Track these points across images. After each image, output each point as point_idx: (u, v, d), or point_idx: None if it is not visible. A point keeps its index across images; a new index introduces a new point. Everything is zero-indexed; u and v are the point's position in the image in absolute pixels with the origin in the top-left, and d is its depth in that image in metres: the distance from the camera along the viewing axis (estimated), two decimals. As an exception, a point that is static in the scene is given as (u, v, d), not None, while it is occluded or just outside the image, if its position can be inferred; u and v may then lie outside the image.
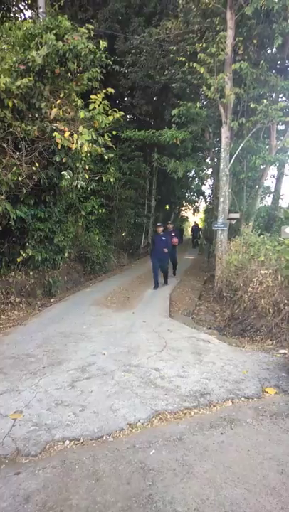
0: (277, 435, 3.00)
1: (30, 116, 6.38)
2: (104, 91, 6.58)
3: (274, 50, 10.63)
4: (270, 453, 2.75)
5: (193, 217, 32.92)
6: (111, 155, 7.26)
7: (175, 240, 11.27)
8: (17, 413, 3.27)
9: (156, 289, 9.35)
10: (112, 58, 8.20)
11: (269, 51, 10.67)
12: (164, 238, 9.66)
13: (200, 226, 28.11)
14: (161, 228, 9.88)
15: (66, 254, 9.05)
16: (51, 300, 8.00)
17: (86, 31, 6.57)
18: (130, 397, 3.59)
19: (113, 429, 3.06)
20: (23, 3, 12.38)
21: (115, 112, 6.66)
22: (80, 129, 6.00)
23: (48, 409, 3.34)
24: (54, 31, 6.15)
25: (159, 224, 10.24)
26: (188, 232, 35.83)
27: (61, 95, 6.47)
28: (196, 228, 27.36)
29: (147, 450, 2.75)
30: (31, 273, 7.73)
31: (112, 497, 2.27)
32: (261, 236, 7.60)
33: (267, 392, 3.81)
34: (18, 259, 7.15)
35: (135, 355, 4.76)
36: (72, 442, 2.88)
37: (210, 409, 3.45)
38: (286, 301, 5.63)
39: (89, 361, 4.53)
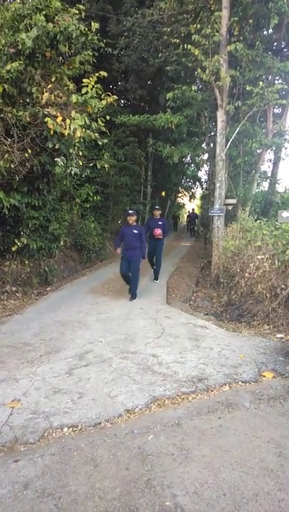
0: (274, 418, 3.02)
1: (21, 101, 6.22)
2: (96, 74, 6.42)
3: (270, 30, 10.44)
4: (267, 436, 2.77)
5: (190, 204, 32.63)
6: (105, 141, 7.13)
7: (157, 231, 8.41)
8: (15, 401, 3.26)
9: (133, 299, 7.04)
10: (105, 41, 7.99)
11: (265, 32, 10.47)
12: (136, 231, 7.03)
13: (197, 213, 27.50)
14: (133, 217, 7.22)
15: (62, 243, 8.98)
16: (47, 289, 7.97)
17: (77, 12, 6.37)
18: (128, 384, 3.60)
19: (111, 416, 3.06)
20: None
21: (108, 95, 6.50)
22: (73, 113, 5.86)
23: (46, 397, 3.34)
24: (44, 12, 5.95)
25: (130, 211, 7.39)
26: (183, 218, 35.52)
27: (53, 79, 6.30)
28: (193, 216, 26.22)
29: (146, 435, 2.76)
30: (27, 262, 7.67)
31: (110, 483, 2.28)
32: (258, 221, 7.56)
33: (264, 376, 3.83)
34: (13, 248, 7.08)
35: (133, 342, 4.76)
36: (71, 429, 2.88)
37: (208, 393, 3.46)
38: (283, 286, 5.64)
39: (86, 349, 4.52)
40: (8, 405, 3.19)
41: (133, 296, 7.12)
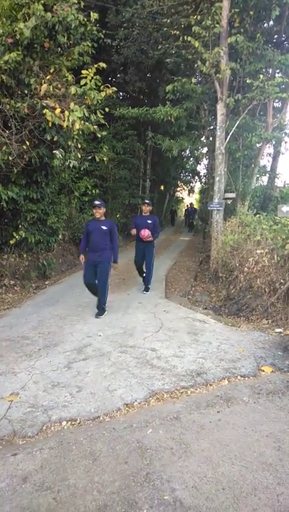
0: (273, 413, 3.02)
1: (19, 92, 6.14)
2: (96, 66, 6.34)
3: (271, 23, 10.32)
4: (266, 430, 2.77)
5: (189, 198, 32.52)
6: (104, 133, 7.07)
7: (145, 233, 6.87)
8: (13, 395, 3.25)
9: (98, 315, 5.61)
10: (104, 32, 7.90)
11: (265, 24, 10.35)
12: (105, 228, 5.56)
13: (195, 207, 27.13)
14: (101, 210, 5.60)
15: (60, 236, 8.94)
16: (46, 282, 7.94)
17: (76, 2, 6.26)
18: (127, 378, 3.59)
19: (110, 409, 3.06)
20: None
21: (108, 87, 6.43)
22: (72, 105, 5.80)
23: (45, 391, 3.33)
24: (42, 1, 5.84)
25: (96, 202, 5.68)
26: (182, 212, 35.37)
27: (51, 70, 6.22)
28: (191, 210, 25.53)
29: (144, 429, 2.76)
30: (25, 255, 7.64)
31: (109, 476, 2.27)
32: (257, 215, 7.53)
33: (263, 371, 3.83)
34: (11, 242, 7.04)
35: (131, 336, 4.76)
36: (69, 423, 2.88)
37: (206, 388, 3.46)
38: (282, 281, 5.63)
39: (85, 343, 4.51)
40: (6, 399, 3.18)
41: (100, 311, 5.63)
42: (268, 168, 14.30)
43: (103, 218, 5.76)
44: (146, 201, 7.49)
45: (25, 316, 5.56)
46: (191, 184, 29.46)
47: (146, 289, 7.32)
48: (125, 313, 5.83)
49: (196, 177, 26.61)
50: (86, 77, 6.22)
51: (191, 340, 4.66)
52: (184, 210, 32.58)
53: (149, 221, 7.10)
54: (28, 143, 6.09)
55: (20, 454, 2.49)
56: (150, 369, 3.80)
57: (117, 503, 2.07)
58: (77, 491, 2.17)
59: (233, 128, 9.11)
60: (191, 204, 27.16)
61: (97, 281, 5.67)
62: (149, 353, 4.22)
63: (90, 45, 6.86)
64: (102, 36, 7.55)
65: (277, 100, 11.13)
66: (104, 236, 5.60)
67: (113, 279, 8.30)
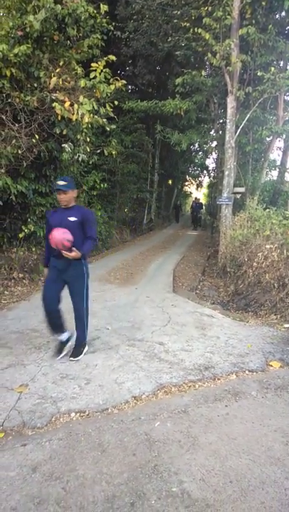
0: (281, 408, 3.01)
1: (28, 85, 6.14)
2: (105, 58, 6.30)
3: (283, 14, 10.13)
4: (274, 425, 2.77)
5: (197, 193, 32.24)
6: (113, 126, 7.04)
7: (58, 236, 3.44)
8: (22, 386, 3.29)
9: None
10: (113, 24, 7.83)
11: (277, 15, 10.18)
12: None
13: (202, 202, 24.86)
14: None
15: (68, 230, 8.94)
16: (54, 276, 7.97)
17: (85, -7, 6.23)
18: (135, 371, 3.61)
19: (118, 402, 3.07)
20: None
21: (117, 80, 6.39)
22: (81, 98, 5.78)
23: (54, 383, 3.36)
24: (52, -7, 5.83)
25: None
26: (189, 206, 35.10)
27: (61, 63, 6.21)
28: (196, 206, 22.60)
29: (152, 422, 2.77)
30: (34, 249, 7.67)
31: (118, 468, 2.29)
32: (267, 210, 7.46)
33: (271, 366, 3.81)
34: (20, 235, 7.07)
35: (139, 330, 4.77)
36: (78, 414, 2.90)
37: (214, 382, 3.46)
38: (291, 276, 5.59)
39: (93, 336, 4.54)
40: (16, 390, 3.22)
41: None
42: (278, 163, 14.16)
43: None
44: (61, 183, 3.58)
45: (33, 308, 5.60)
46: (200, 178, 29.24)
47: (76, 354, 3.93)
48: (133, 306, 5.84)
49: (205, 171, 26.43)
50: (95, 70, 6.18)
51: (199, 334, 4.66)
52: (191, 204, 31.88)
53: (72, 218, 3.65)
54: (37, 136, 6.10)
55: (29, 445, 2.52)
56: (158, 362, 3.81)
57: (125, 494, 2.09)
58: (85, 481, 2.19)
59: (244, 121, 9.02)
60: (196, 199, 24.61)
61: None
62: (156, 346, 4.23)
63: (99, 37, 6.82)
64: (112, 28, 7.49)
65: (288, 93, 10.99)
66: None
67: (121, 274, 8.33)
